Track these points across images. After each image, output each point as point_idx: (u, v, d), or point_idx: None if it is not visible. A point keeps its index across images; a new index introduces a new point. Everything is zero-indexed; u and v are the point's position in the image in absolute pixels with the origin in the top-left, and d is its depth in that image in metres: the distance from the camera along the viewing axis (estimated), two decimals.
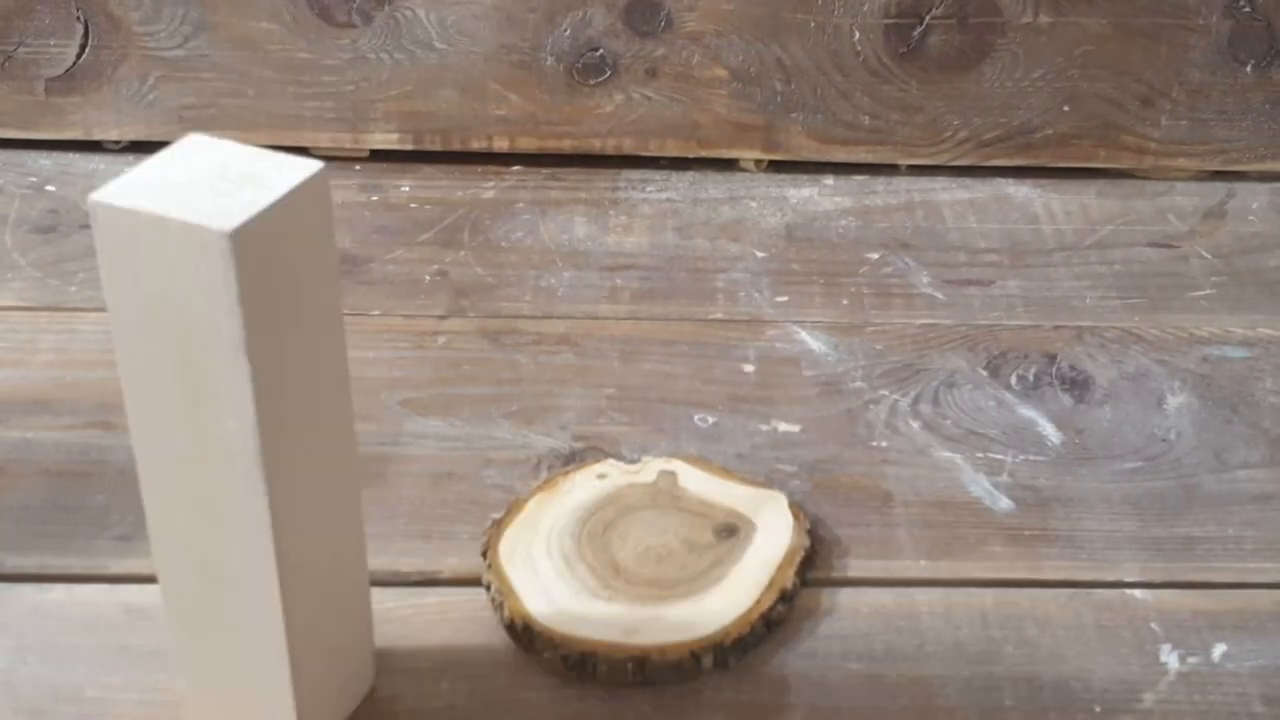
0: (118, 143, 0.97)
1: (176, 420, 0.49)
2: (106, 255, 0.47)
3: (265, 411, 0.48)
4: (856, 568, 0.67)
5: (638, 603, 0.63)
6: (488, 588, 0.64)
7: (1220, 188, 0.97)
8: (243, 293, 0.45)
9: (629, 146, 0.97)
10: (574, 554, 0.65)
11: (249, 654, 0.54)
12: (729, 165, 0.98)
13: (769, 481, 0.71)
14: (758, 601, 0.63)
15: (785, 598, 0.64)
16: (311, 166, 0.48)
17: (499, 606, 0.63)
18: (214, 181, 0.47)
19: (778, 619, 0.63)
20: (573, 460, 0.72)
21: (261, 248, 0.46)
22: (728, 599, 0.63)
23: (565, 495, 0.68)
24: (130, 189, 0.46)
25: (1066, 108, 0.95)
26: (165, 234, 0.45)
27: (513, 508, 0.67)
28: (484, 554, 0.65)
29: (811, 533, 0.67)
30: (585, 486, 0.69)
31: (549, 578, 0.64)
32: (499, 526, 0.66)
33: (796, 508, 0.68)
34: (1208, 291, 0.87)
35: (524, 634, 0.61)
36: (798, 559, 0.65)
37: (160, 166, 0.48)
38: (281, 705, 0.54)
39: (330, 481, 0.53)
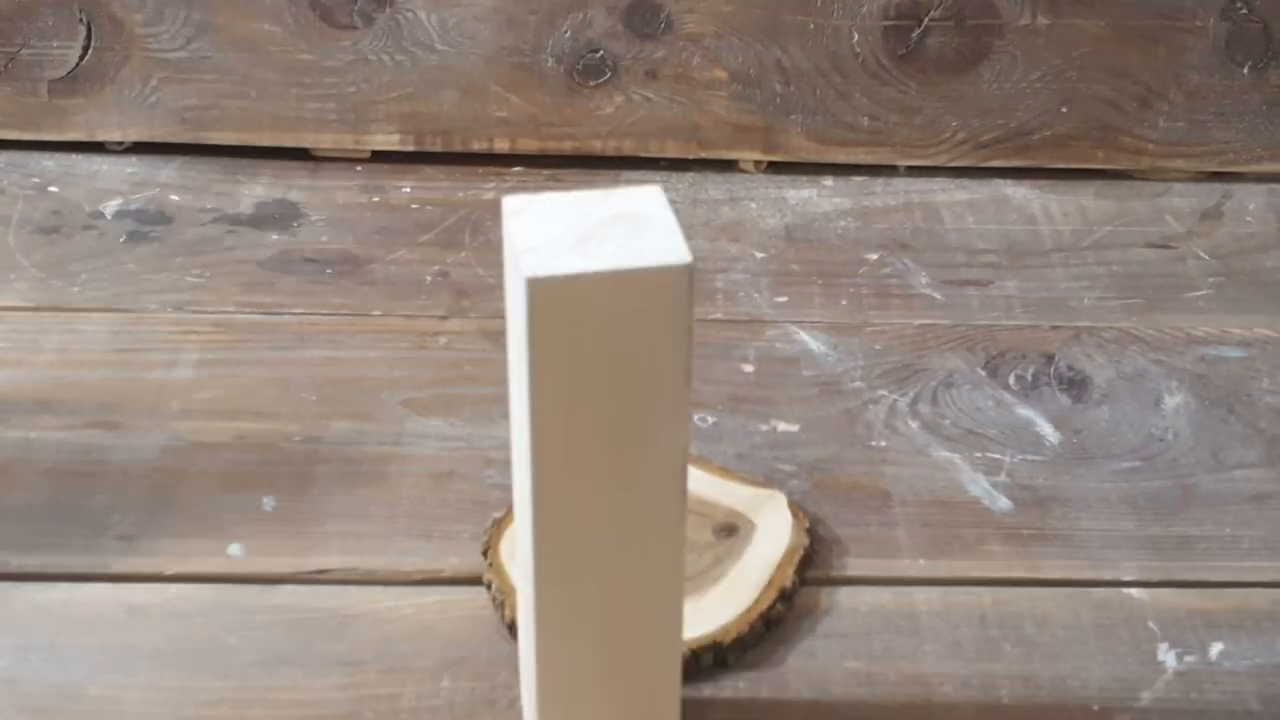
0: (120, 144, 0.97)
1: (594, 457, 0.49)
2: (540, 327, 0.45)
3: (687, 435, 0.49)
4: (855, 567, 0.67)
5: None
6: (488, 586, 0.64)
7: (1217, 189, 0.97)
8: (690, 322, 0.46)
9: (629, 148, 0.97)
10: None
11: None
12: (729, 166, 0.98)
13: (768, 481, 0.71)
14: (757, 600, 0.63)
15: (785, 597, 0.64)
16: (654, 193, 0.48)
17: (500, 605, 0.63)
18: (605, 229, 0.47)
19: (777, 618, 0.63)
20: None
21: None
22: (728, 598, 0.63)
23: None
24: (548, 260, 0.45)
25: (1064, 109, 0.96)
26: (618, 286, 0.45)
27: (513, 507, 0.67)
28: (484, 553, 0.66)
29: (811, 531, 0.68)
30: None
31: None
32: (499, 526, 0.66)
33: (796, 506, 0.68)
34: (1205, 292, 0.87)
35: None
36: (797, 558, 0.65)
37: (530, 233, 0.47)
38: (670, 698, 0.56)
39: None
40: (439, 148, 0.97)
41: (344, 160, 0.97)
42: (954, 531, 0.69)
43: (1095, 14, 0.93)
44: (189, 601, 0.65)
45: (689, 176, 0.97)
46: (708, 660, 0.61)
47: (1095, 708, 0.61)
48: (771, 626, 0.63)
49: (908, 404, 0.77)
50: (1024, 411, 0.77)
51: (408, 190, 0.95)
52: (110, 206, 0.92)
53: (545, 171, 0.97)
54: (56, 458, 0.72)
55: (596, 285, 0.45)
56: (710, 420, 0.76)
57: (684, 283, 0.46)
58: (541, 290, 0.45)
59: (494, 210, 0.93)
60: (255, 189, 0.95)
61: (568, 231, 0.46)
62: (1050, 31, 0.94)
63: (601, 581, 0.52)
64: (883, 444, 0.75)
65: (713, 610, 0.62)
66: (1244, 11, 0.93)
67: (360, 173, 0.97)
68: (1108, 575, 0.67)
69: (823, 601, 0.65)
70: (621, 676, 0.55)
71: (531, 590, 0.52)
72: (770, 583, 0.64)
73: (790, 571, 0.65)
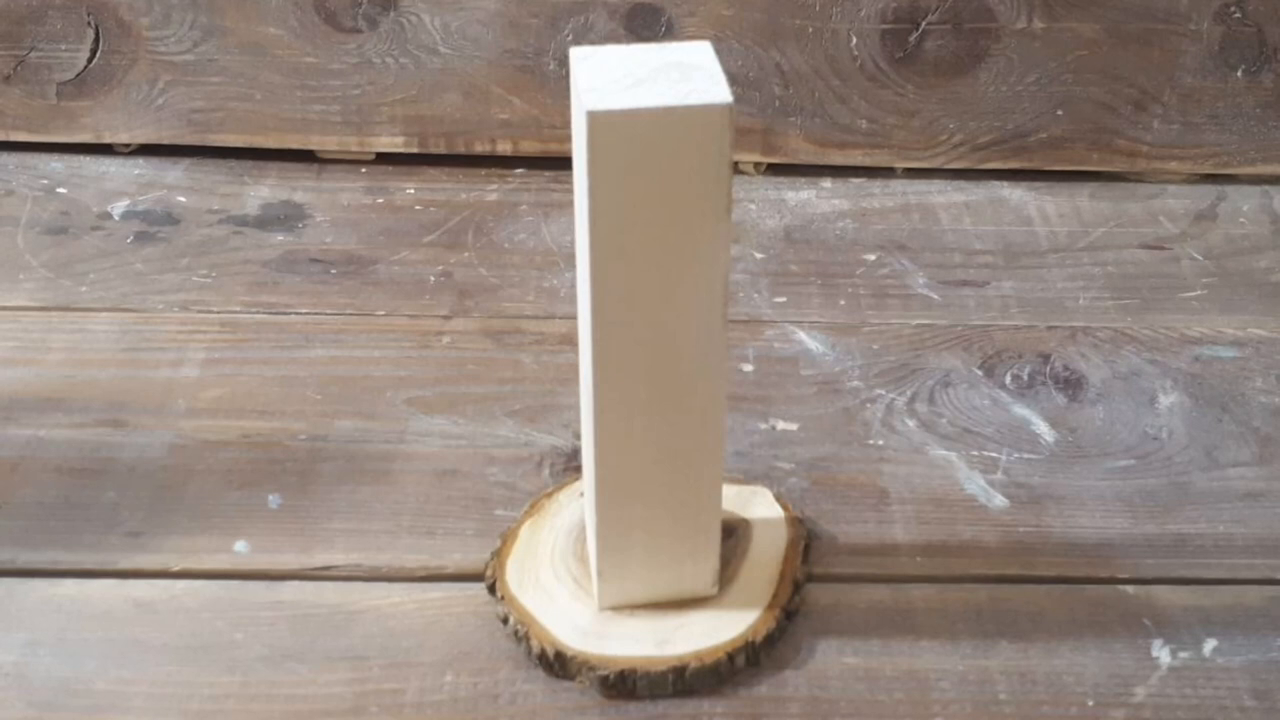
0: (128, 146, 0.98)
1: (645, 279, 0.54)
2: (598, 156, 0.51)
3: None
4: (853, 564, 0.68)
5: (660, 613, 0.63)
6: (505, 620, 0.63)
7: (1211, 190, 0.98)
8: (729, 159, 0.52)
9: None
10: (582, 575, 0.64)
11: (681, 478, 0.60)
12: None
13: (767, 479, 0.72)
14: (775, 595, 0.64)
15: (798, 587, 0.64)
16: (705, 47, 0.54)
17: (524, 638, 0.62)
18: (658, 74, 0.52)
19: (794, 609, 0.64)
20: (575, 457, 0.73)
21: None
22: (746, 597, 0.63)
23: (554, 518, 0.68)
24: (606, 97, 0.51)
25: (1060, 112, 0.96)
26: (667, 122, 0.51)
27: (507, 537, 0.67)
28: (491, 589, 0.65)
29: (804, 521, 0.68)
30: (571, 506, 0.68)
31: (565, 602, 0.63)
32: (499, 558, 0.66)
33: (782, 499, 0.69)
34: (1199, 292, 0.88)
35: (557, 661, 0.61)
36: (800, 547, 0.66)
37: (593, 78, 0.52)
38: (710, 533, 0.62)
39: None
40: (442, 150, 0.98)
41: (348, 162, 0.98)
42: (951, 529, 0.70)
43: (1091, 18, 0.94)
44: (195, 597, 0.65)
45: None
46: (740, 661, 0.61)
47: (1090, 703, 0.61)
48: (792, 618, 0.64)
49: (905, 403, 0.78)
50: (1020, 410, 0.78)
51: (411, 192, 0.96)
52: (118, 207, 0.93)
53: (547, 173, 0.98)
54: (65, 455, 0.73)
55: (647, 119, 0.50)
56: None
57: (724, 121, 0.51)
58: (599, 123, 0.50)
59: (496, 211, 0.94)
60: (261, 190, 0.95)
61: (626, 75, 0.52)
62: (1046, 35, 0.94)
63: (654, 384, 0.57)
64: (880, 442, 0.75)
65: (736, 611, 0.63)
66: (1238, 15, 0.94)
67: (364, 174, 0.97)
68: (1103, 572, 0.68)
69: (821, 598, 0.66)
70: (671, 473, 0.60)
71: (591, 398, 0.57)
72: (782, 576, 0.64)
73: (798, 562, 0.65)
